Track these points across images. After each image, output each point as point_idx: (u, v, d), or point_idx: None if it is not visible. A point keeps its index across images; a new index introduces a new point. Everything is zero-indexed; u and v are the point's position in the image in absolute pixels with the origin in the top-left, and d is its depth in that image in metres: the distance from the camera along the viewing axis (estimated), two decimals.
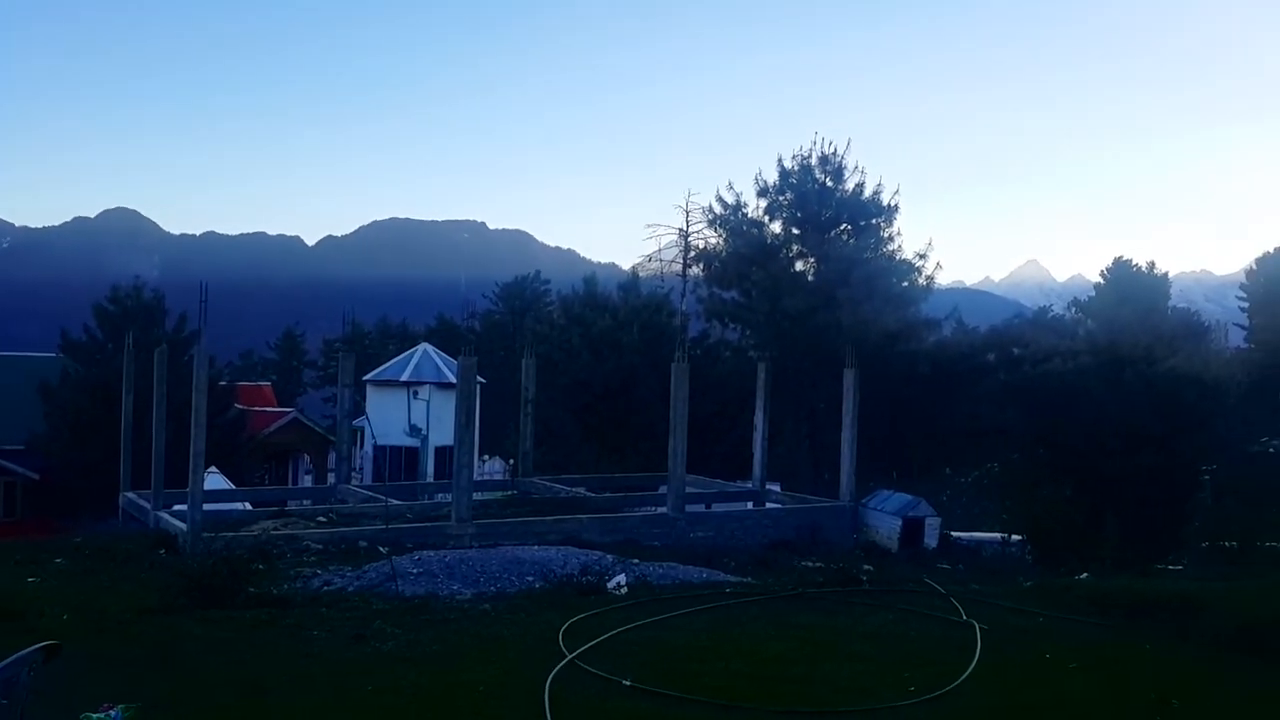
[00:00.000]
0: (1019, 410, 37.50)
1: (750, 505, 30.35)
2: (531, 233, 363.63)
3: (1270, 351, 57.80)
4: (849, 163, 40.23)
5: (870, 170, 41.25)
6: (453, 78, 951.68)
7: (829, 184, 40.19)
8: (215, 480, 29.44)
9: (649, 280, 46.19)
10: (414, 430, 36.23)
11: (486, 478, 38.83)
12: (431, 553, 20.07)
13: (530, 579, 17.99)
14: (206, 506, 23.26)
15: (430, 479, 34.99)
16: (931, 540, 27.07)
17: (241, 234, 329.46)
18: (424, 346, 41.05)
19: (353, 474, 36.29)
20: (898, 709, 11.05)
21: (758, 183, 40.78)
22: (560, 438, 42.06)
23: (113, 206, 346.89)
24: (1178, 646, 14.26)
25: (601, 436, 40.50)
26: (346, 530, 23.26)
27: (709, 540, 24.83)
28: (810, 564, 22.12)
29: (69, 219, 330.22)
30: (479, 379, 27.97)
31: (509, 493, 31.94)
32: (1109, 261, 57.54)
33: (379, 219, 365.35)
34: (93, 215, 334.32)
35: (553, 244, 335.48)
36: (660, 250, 45.87)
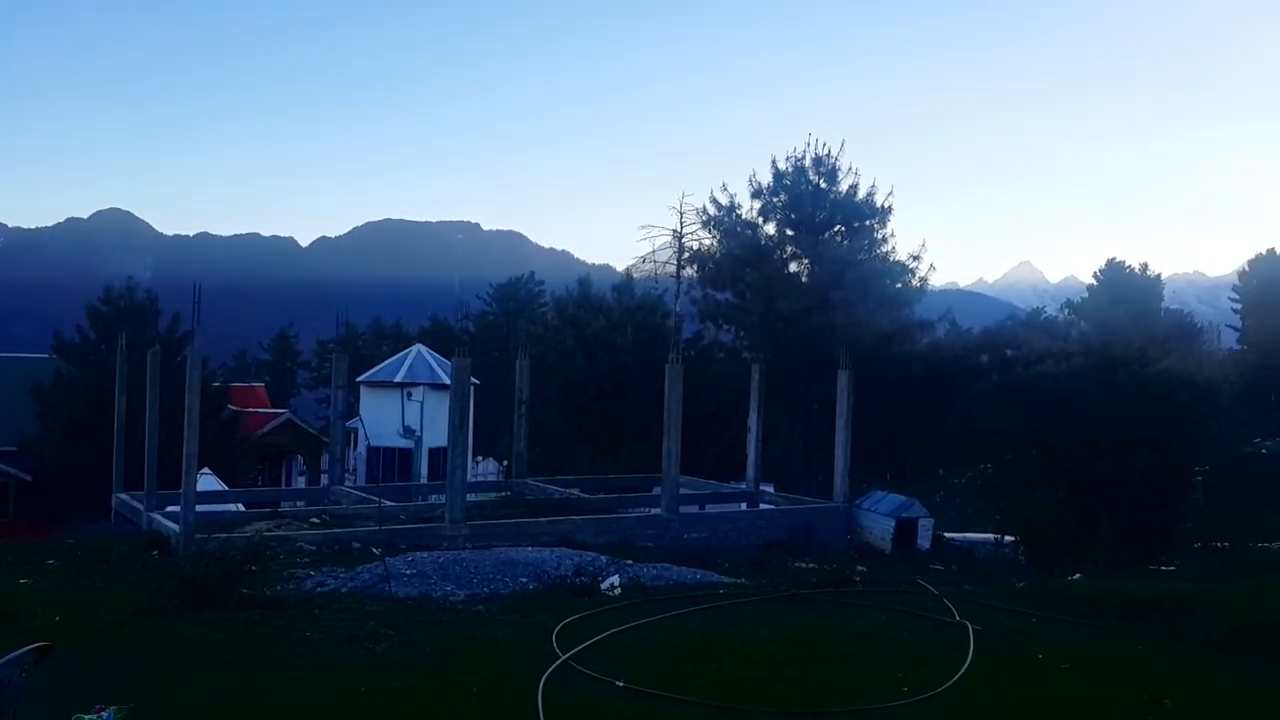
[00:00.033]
0: (1012, 411, 37.57)
1: (744, 506, 30.38)
2: (525, 234, 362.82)
3: (1262, 353, 58.06)
4: (843, 164, 40.40)
5: (864, 172, 41.36)
6: (447, 78, 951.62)
7: (823, 185, 40.25)
8: (208, 481, 29.40)
9: (643, 281, 46.24)
10: (408, 431, 36.21)
11: (480, 479, 38.80)
12: (425, 554, 20.08)
13: (524, 580, 18.00)
14: (199, 508, 23.22)
15: (424, 480, 34.97)
16: (925, 541, 27.11)
17: (235, 235, 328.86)
18: (418, 348, 41.02)
19: (346, 475, 36.22)
20: (890, 709, 11.07)
21: (752, 184, 40.90)
22: (554, 439, 42.05)
23: (106, 207, 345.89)
24: (1170, 647, 14.31)
25: (595, 438, 40.50)
26: (340, 531, 23.25)
27: (703, 541, 24.85)
28: (804, 565, 22.14)
29: (62, 219, 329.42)
30: (473, 380, 27.96)
31: (503, 494, 31.92)
32: (1102, 263, 57.61)
33: (373, 220, 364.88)
34: (86, 216, 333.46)
35: (547, 245, 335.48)
36: (654, 251, 45.92)
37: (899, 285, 40.27)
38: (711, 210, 41.69)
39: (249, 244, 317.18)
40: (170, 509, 24.60)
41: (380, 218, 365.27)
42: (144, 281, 46.44)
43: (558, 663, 12.24)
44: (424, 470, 36.24)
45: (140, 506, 26.48)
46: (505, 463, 40.29)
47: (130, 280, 43.28)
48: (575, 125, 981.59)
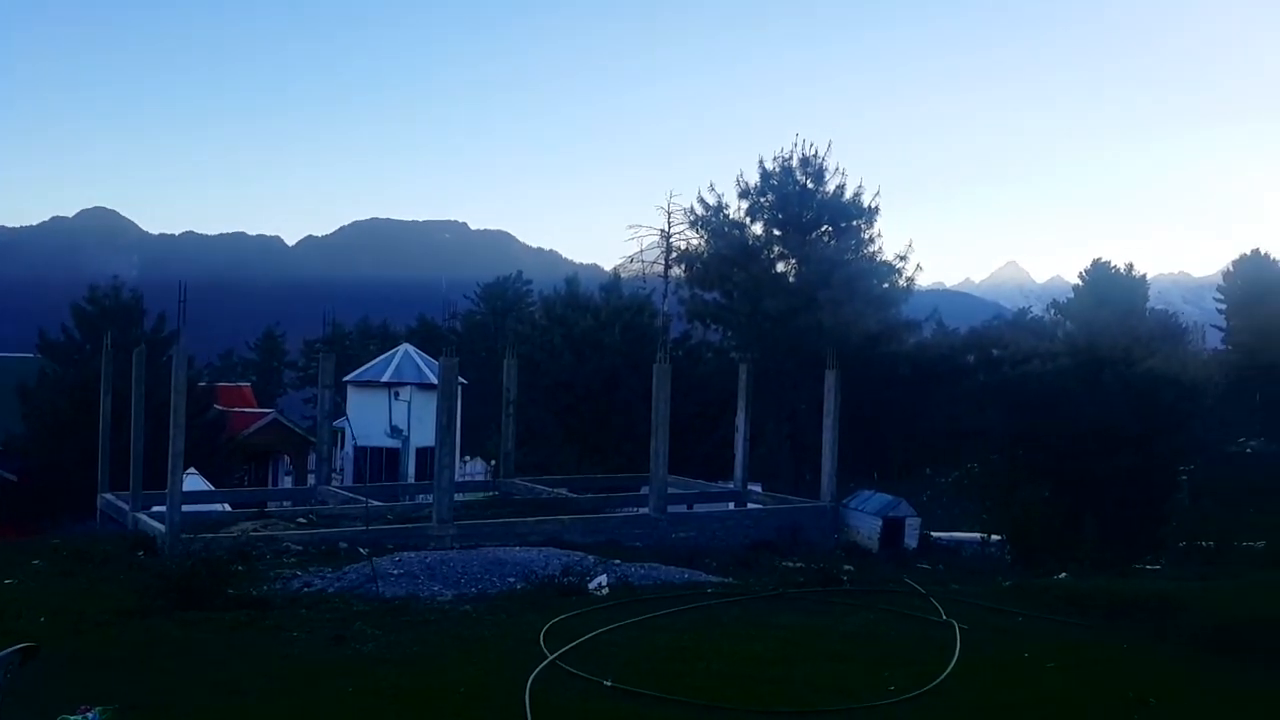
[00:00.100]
0: (998, 411, 37.73)
1: (732, 506, 30.39)
2: (513, 233, 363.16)
3: (1247, 353, 58.43)
4: (830, 165, 40.41)
5: (851, 172, 41.46)
6: (434, 78, 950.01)
7: (810, 186, 40.29)
8: (194, 481, 29.27)
9: (631, 281, 46.20)
10: (395, 431, 36.17)
11: (468, 479, 38.74)
12: (412, 554, 20.04)
13: (511, 580, 17.98)
14: (185, 508, 23.14)
15: (411, 480, 34.92)
16: (912, 540, 27.18)
17: (221, 234, 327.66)
18: (405, 347, 40.96)
19: (333, 475, 36.13)
20: (877, 708, 11.10)
21: (739, 184, 40.90)
22: (542, 438, 42.01)
23: (91, 206, 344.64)
24: (1155, 646, 14.39)
25: (583, 437, 40.48)
26: (327, 531, 23.18)
27: (690, 541, 24.86)
28: (791, 564, 22.17)
29: (47, 218, 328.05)
30: (460, 380, 27.91)
31: (490, 494, 31.87)
32: (1088, 263, 57.89)
33: (359, 219, 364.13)
34: (71, 215, 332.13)
35: (534, 244, 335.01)
36: (642, 251, 45.90)
37: (886, 285, 40.33)
38: (699, 210, 41.72)
39: (235, 243, 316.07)
40: (156, 509, 24.51)
41: (367, 217, 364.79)
42: (129, 280, 46.20)
43: (545, 662, 12.24)
44: (411, 470, 36.18)
45: (126, 507, 26.36)
46: (493, 462, 40.31)
47: (115, 279, 43.07)
48: (563, 125, 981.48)
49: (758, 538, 26.00)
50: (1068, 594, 17.50)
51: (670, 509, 26.73)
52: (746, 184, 40.73)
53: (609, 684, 11.47)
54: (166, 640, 13.22)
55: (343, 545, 21.85)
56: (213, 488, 31.55)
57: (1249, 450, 55.15)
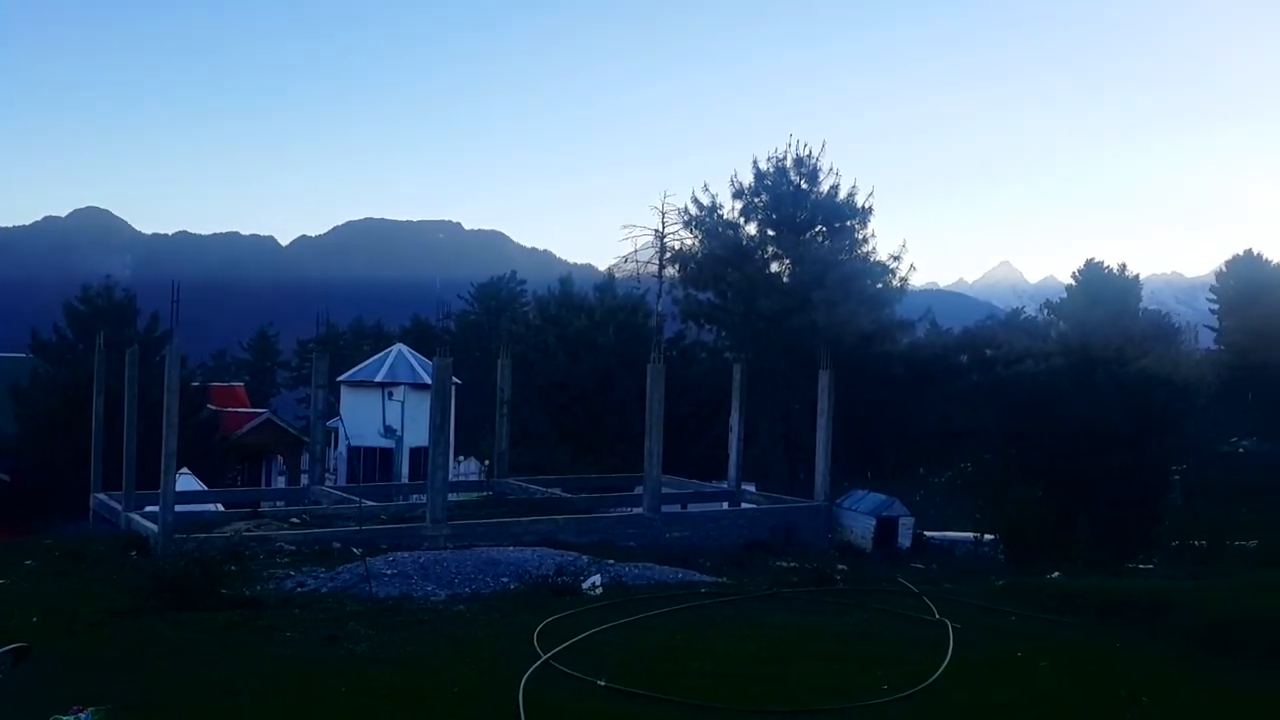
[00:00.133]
0: (992, 411, 37.77)
1: (726, 505, 30.40)
2: (507, 233, 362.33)
3: (1239, 353, 58.54)
4: (824, 165, 40.41)
5: (845, 172, 41.30)
6: (429, 78, 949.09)
7: (804, 186, 40.31)
8: (187, 481, 29.21)
9: (625, 281, 46.26)
10: (388, 431, 36.06)
11: (462, 479, 38.70)
12: (406, 554, 20.03)
13: (505, 580, 17.98)
14: (178, 508, 23.08)
15: (405, 480, 34.84)
16: (905, 540, 27.21)
17: (214, 234, 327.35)
18: (399, 347, 40.86)
19: (326, 475, 36.05)
20: (871, 708, 11.12)
21: (733, 184, 40.89)
22: (536, 438, 42.00)
23: (84, 206, 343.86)
24: (1148, 645, 14.43)
25: (577, 437, 40.48)
26: (320, 531, 23.14)
27: (685, 540, 24.86)
28: (785, 564, 22.20)
29: (39, 218, 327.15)
30: (454, 380, 27.89)
31: (484, 494, 31.85)
32: (1081, 263, 58.01)
33: (353, 219, 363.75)
34: (64, 214, 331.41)
35: (528, 244, 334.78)
36: (636, 251, 45.99)
37: (880, 285, 40.37)
38: (693, 210, 41.73)
39: (228, 243, 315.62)
40: (149, 509, 24.43)
41: (361, 217, 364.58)
42: (122, 280, 46.17)
43: (539, 662, 12.24)
44: (405, 470, 36.10)
45: (119, 507, 26.30)
46: (487, 462, 40.25)
47: (108, 279, 42.99)
48: (558, 125, 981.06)
49: (752, 537, 26.01)
50: (1060, 593, 17.54)
51: (664, 509, 26.74)
52: (740, 184, 40.77)
53: (603, 684, 11.47)
54: (159, 640, 13.20)
55: (336, 545, 21.82)
56: (206, 488, 31.50)
57: (1241, 450, 55.25)
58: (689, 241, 43.01)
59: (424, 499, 25.31)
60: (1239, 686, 12.66)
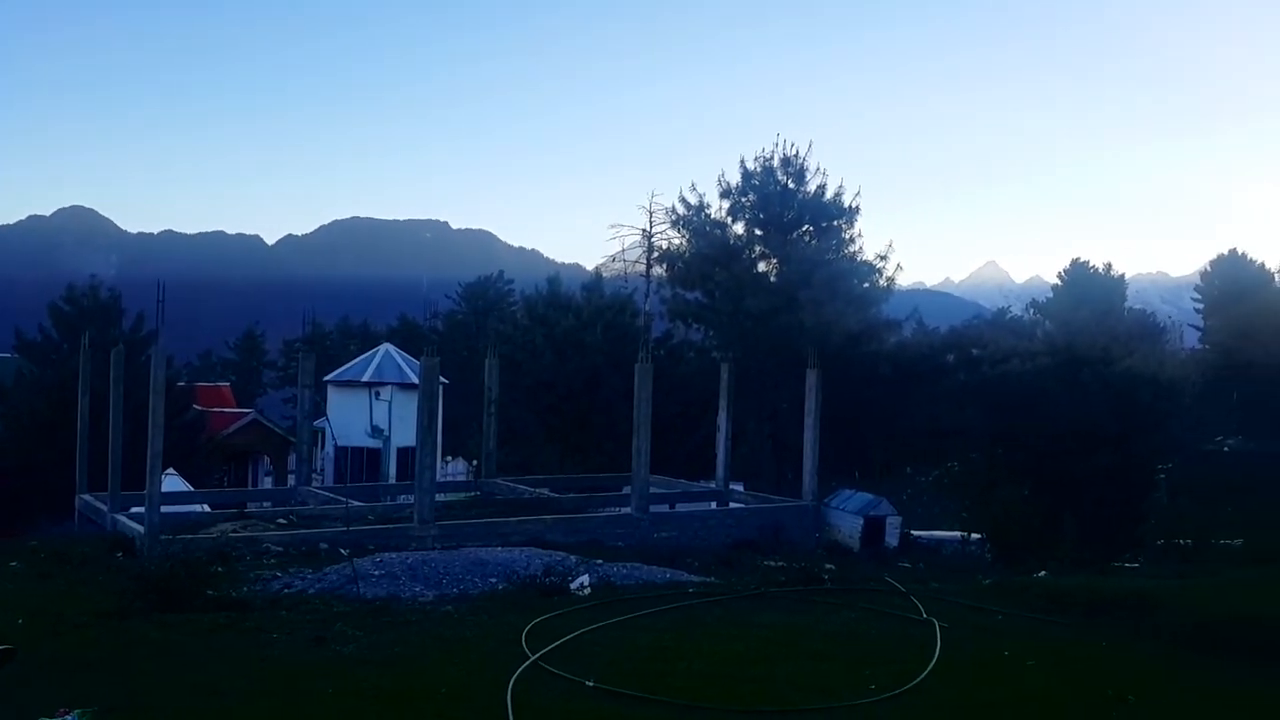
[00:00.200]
0: (978, 410, 37.87)
1: (714, 505, 30.44)
2: (495, 232, 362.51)
3: (1224, 352, 58.82)
4: (811, 165, 40.51)
5: (832, 172, 41.38)
6: (416, 77, 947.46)
7: (791, 185, 40.38)
8: (173, 482, 29.10)
9: (612, 281, 46.19)
10: (376, 431, 36.04)
11: (449, 479, 38.65)
12: (393, 554, 19.98)
13: (493, 580, 17.94)
14: (164, 509, 23.00)
15: (392, 480, 34.83)
16: (892, 539, 27.29)
17: (200, 233, 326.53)
18: (386, 347, 40.82)
19: (313, 475, 35.99)
20: (858, 707, 11.13)
21: (720, 184, 40.96)
22: (524, 438, 41.96)
23: (68, 205, 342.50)
24: (1134, 643, 14.47)
25: (565, 437, 40.46)
26: (307, 532, 23.09)
27: (672, 540, 24.88)
28: (773, 563, 22.21)
29: (23, 217, 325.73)
30: (441, 379, 27.85)
31: (472, 494, 31.82)
32: (1067, 263, 58.32)
33: (340, 218, 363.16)
34: (48, 213, 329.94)
35: (516, 244, 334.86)
36: (624, 251, 45.89)
37: (866, 285, 40.48)
38: (680, 210, 41.74)
39: (214, 242, 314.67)
40: (135, 510, 24.35)
41: (348, 216, 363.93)
42: (107, 280, 45.99)
43: (527, 663, 12.22)
44: (392, 470, 36.08)
45: (104, 508, 26.19)
46: (474, 462, 40.19)
47: (93, 278, 42.84)
48: (545, 125, 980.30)
49: (739, 537, 26.05)
50: (1047, 592, 17.58)
51: (652, 509, 26.76)
52: (728, 184, 40.83)
53: (591, 684, 11.46)
54: (145, 642, 13.13)
55: (323, 546, 21.77)
56: (192, 488, 31.39)
57: (1226, 449, 55.49)
58: (676, 241, 43.05)
59: (411, 499, 25.27)
60: (1226, 685, 12.71)
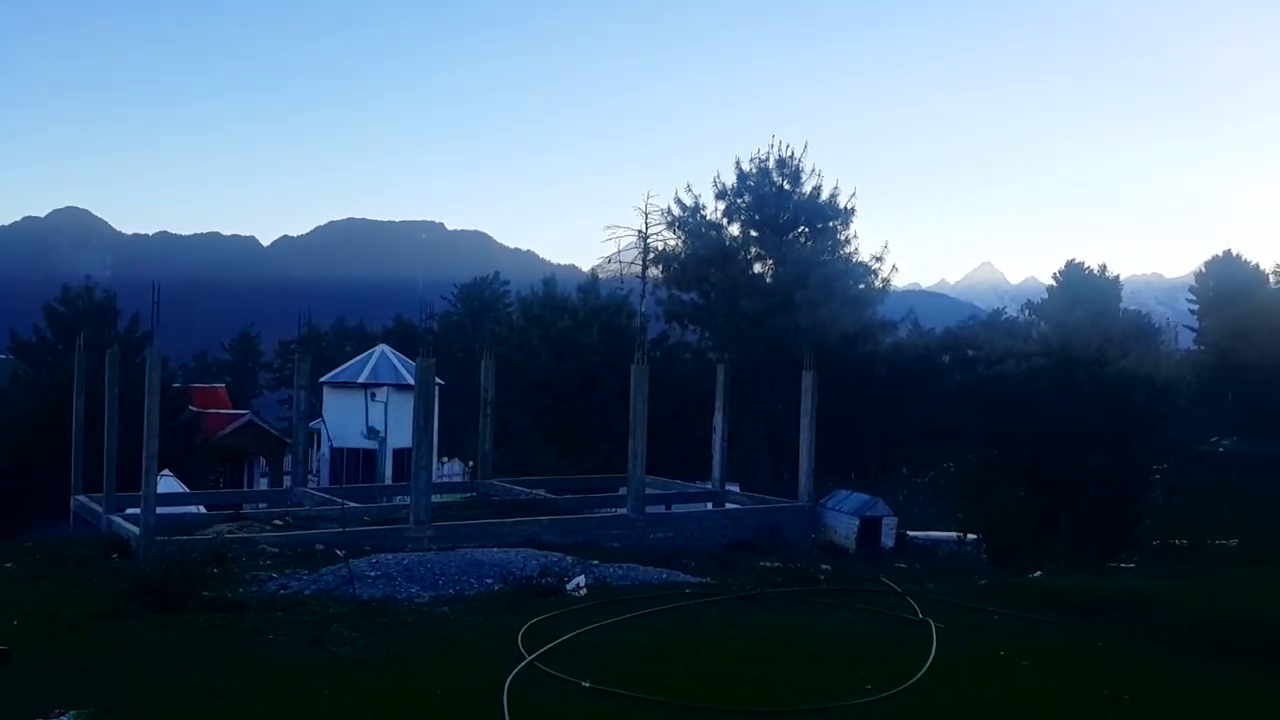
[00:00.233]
0: (974, 411, 37.90)
1: (710, 506, 30.43)
2: (490, 234, 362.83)
3: (1219, 353, 58.85)
4: (806, 166, 40.51)
5: (827, 174, 41.63)
6: (412, 78, 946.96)
7: (786, 187, 40.40)
8: (169, 483, 29.05)
9: (608, 282, 46.19)
10: (371, 432, 35.99)
11: (445, 480, 38.62)
12: (389, 555, 19.96)
13: (489, 581, 17.94)
14: (160, 510, 22.94)
15: (388, 481, 34.75)
16: (888, 540, 27.29)
17: (195, 234, 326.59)
18: (381, 348, 40.76)
19: (309, 476, 35.91)
20: (854, 707, 11.14)
21: (716, 185, 40.94)
22: (520, 439, 41.94)
23: (63, 206, 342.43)
24: (1130, 644, 14.51)
25: (561, 438, 40.43)
26: (303, 533, 23.05)
27: (669, 541, 24.87)
28: (769, 564, 22.22)
29: (18, 218, 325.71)
30: (437, 380, 27.83)
31: (468, 495, 31.78)
32: (1062, 264, 58.44)
33: (336, 219, 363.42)
34: (43, 215, 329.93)
35: (512, 245, 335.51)
36: (619, 252, 45.92)
37: (862, 286, 40.50)
38: (676, 211, 41.75)
39: (210, 243, 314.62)
40: (130, 511, 24.29)
41: (344, 217, 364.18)
42: (102, 281, 46.00)
43: (523, 664, 12.22)
44: (388, 471, 36.01)
45: (100, 509, 26.14)
46: (470, 463, 40.18)
47: (88, 280, 42.82)
48: (541, 126, 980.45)
49: (736, 538, 26.05)
50: (1043, 593, 17.62)
51: (648, 509, 26.75)
52: (723, 185, 40.83)
53: (587, 685, 11.47)
54: (141, 643, 13.12)
55: (319, 547, 21.74)
56: (187, 490, 31.33)
57: (1221, 449, 55.53)
58: (672, 242, 43.06)
59: (407, 500, 25.24)
60: (1220, 685, 12.75)
